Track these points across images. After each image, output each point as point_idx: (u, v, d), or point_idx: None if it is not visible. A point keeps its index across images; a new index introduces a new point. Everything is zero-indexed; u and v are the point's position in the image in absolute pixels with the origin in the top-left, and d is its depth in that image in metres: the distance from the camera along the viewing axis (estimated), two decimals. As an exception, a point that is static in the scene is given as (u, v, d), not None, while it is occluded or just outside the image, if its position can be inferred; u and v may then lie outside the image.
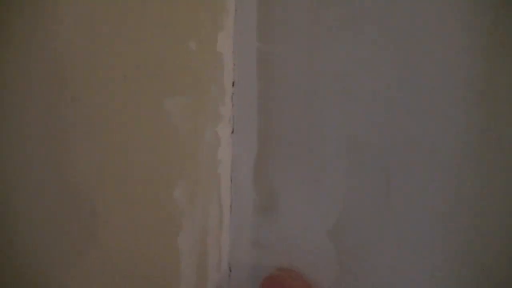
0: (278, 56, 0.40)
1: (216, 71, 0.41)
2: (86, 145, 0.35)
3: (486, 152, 0.33)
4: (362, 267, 0.38)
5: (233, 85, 0.42)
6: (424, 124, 0.35)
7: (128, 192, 0.37)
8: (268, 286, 0.40)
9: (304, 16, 0.39)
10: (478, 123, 0.33)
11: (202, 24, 0.40)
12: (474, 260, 0.34)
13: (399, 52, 0.35)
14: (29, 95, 0.32)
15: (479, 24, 0.32)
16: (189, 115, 0.40)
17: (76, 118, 0.35)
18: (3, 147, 0.32)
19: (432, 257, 0.35)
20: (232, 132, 0.43)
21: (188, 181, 0.40)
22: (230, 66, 0.42)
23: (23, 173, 0.32)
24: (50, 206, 0.34)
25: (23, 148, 0.32)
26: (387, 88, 0.36)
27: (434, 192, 0.35)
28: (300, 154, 0.40)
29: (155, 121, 0.38)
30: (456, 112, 0.34)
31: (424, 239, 0.36)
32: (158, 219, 0.39)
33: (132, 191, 0.38)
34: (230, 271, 0.43)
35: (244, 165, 0.42)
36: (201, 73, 0.40)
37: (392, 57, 0.35)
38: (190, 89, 0.40)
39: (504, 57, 0.32)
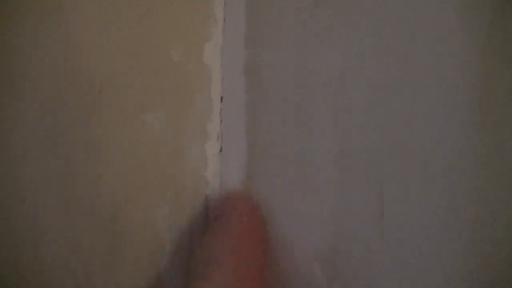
0: (266, 66, 0.37)
1: (203, 85, 0.38)
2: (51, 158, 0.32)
3: (485, 160, 0.30)
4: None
5: (221, 100, 0.39)
6: (419, 131, 0.32)
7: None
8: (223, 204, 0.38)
9: (292, 24, 0.36)
10: (477, 130, 0.30)
11: (187, 33, 0.37)
12: (474, 282, 0.30)
13: (392, 57, 0.32)
14: None
15: (476, 26, 0.29)
16: (172, 132, 0.37)
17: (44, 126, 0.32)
18: None
19: (430, 281, 0.32)
20: (220, 150, 0.39)
21: (172, 202, 0.37)
22: (219, 80, 0.39)
23: None
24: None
25: None
26: (380, 94, 0.33)
27: (431, 206, 0.31)
28: (290, 173, 0.37)
29: (133, 138, 0.35)
30: (453, 118, 0.31)
31: (421, 263, 0.32)
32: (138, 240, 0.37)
33: (110, 207, 0.35)
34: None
35: (233, 185, 0.39)
36: (185, 86, 0.37)
37: (385, 63, 0.33)
38: (172, 102, 0.37)
39: (502, 61, 0.29)
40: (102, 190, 0.35)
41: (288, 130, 0.37)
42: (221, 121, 0.39)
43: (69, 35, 0.33)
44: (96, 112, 0.34)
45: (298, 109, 0.36)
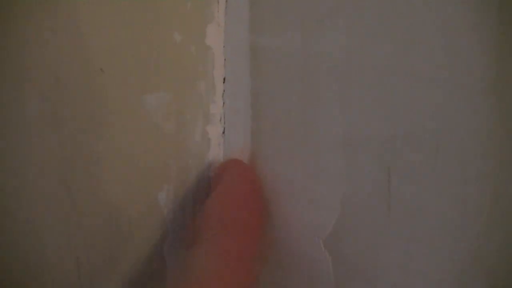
0: (271, 49, 0.37)
1: (205, 66, 0.38)
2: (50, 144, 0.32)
3: (494, 148, 0.29)
4: (360, 279, 0.34)
5: (224, 81, 0.39)
6: (428, 116, 0.31)
7: (108, 192, 0.35)
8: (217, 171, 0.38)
9: (298, 6, 0.35)
10: (486, 118, 0.29)
11: (189, 15, 0.37)
12: (484, 267, 0.30)
13: (400, 42, 0.32)
14: None
15: (487, 5, 0.29)
16: (174, 112, 0.37)
17: (44, 113, 0.32)
18: None
19: (437, 268, 0.31)
20: (223, 132, 0.39)
21: (174, 185, 0.37)
22: (221, 61, 0.39)
23: None
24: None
25: None
26: (387, 78, 0.32)
27: (439, 194, 0.31)
28: (294, 155, 0.36)
29: (135, 118, 0.35)
30: (464, 103, 0.30)
31: (428, 249, 0.32)
32: (141, 225, 0.36)
33: (111, 191, 0.35)
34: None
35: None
36: (187, 68, 0.37)
37: (392, 48, 0.32)
38: (174, 84, 0.37)
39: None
40: (104, 172, 0.35)
41: (292, 113, 0.36)
42: (223, 103, 0.39)
43: (70, 18, 0.33)
44: (96, 92, 0.34)
45: (303, 92, 0.36)
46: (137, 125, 0.35)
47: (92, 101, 0.34)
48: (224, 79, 0.39)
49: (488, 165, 0.29)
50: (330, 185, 0.35)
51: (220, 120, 0.39)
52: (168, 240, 0.37)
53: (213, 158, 0.39)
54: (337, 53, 0.34)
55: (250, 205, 0.35)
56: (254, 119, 0.38)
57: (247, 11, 0.38)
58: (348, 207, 0.34)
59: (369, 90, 0.33)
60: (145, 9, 0.35)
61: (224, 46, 0.39)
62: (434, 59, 0.30)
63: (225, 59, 0.39)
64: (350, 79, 0.34)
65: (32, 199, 0.33)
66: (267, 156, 0.38)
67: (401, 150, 0.32)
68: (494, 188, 0.30)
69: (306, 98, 0.36)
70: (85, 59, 0.33)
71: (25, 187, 0.32)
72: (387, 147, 0.32)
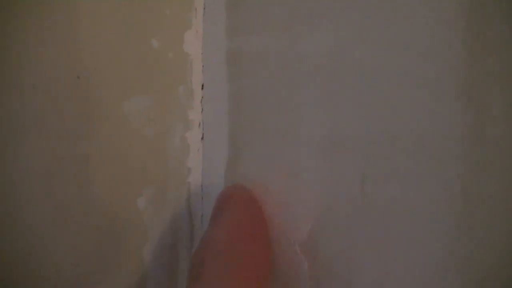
0: (248, 53, 0.37)
1: (183, 73, 0.39)
2: (32, 150, 0.32)
3: (474, 149, 0.30)
4: (336, 282, 0.34)
5: (202, 88, 0.39)
6: (406, 117, 0.31)
7: (87, 198, 0.35)
8: (213, 206, 0.36)
9: (276, 9, 0.36)
10: (465, 118, 0.30)
11: (167, 22, 0.38)
12: (463, 264, 0.30)
13: (380, 45, 0.32)
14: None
15: (462, 15, 0.29)
16: (153, 118, 0.37)
17: (25, 118, 0.32)
18: None
19: (413, 269, 0.32)
20: (202, 138, 0.40)
21: (153, 190, 0.38)
22: (199, 68, 0.39)
23: None
24: None
25: None
26: (366, 81, 0.33)
27: (415, 196, 0.31)
28: (272, 159, 0.37)
29: (114, 126, 0.36)
30: (441, 106, 0.31)
31: (404, 251, 0.32)
32: (119, 230, 0.37)
33: (90, 197, 0.35)
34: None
35: (215, 173, 0.39)
36: (165, 74, 0.38)
37: (373, 49, 0.32)
38: (152, 90, 0.37)
39: (487, 49, 0.29)
40: (89, 173, 0.35)
41: (270, 117, 0.37)
42: (202, 109, 0.40)
43: (50, 25, 0.33)
44: (78, 97, 0.34)
45: (281, 95, 0.36)
46: (117, 129, 0.36)
47: (74, 105, 0.34)
48: (202, 85, 0.40)
49: (463, 161, 0.30)
50: (307, 189, 0.35)
51: (199, 126, 0.40)
52: (148, 244, 0.38)
53: (192, 164, 0.39)
54: (317, 56, 0.35)
55: (258, 237, 0.34)
56: (233, 124, 0.39)
57: (224, 17, 0.39)
58: (324, 210, 0.35)
59: (348, 92, 0.34)
60: (124, 16, 0.35)
61: (202, 53, 0.39)
62: (416, 61, 0.31)
63: (203, 65, 0.39)
64: (330, 80, 0.34)
65: (17, 201, 0.33)
66: (245, 161, 0.38)
67: (377, 152, 0.33)
68: (468, 189, 0.30)
69: (283, 102, 0.36)
70: (65, 65, 0.33)
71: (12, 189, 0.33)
72: (363, 150, 0.33)
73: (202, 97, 0.40)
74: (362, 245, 0.34)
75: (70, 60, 0.34)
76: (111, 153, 0.36)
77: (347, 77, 0.34)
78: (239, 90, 0.38)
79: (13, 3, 0.32)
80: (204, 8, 0.39)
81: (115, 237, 0.36)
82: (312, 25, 0.35)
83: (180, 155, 0.39)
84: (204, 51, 0.39)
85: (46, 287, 0.34)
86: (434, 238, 0.31)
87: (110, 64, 0.35)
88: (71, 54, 0.33)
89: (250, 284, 0.31)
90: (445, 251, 0.31)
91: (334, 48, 0.34)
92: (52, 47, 0.33)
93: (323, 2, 0.34)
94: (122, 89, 0.36)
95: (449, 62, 0.30)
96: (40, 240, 0.34)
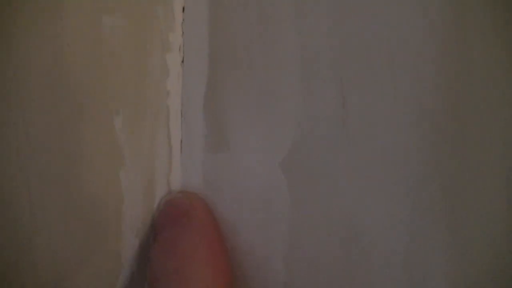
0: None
1: (162, -7, 0.38)
2: None
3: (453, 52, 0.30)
4: (316, 200, 0.34)
5: (183, 10, 0.39)
6: (383, 32, 0.31)
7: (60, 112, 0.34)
8: (165, 210, 0.35)
9: None
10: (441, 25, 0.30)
11: None
12: (442, 177, 0.30)
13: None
14: None
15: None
16: (132, 39, 0.37)
17: None
18: None
19: (392, 186, 0.31)
20: (182, 61, 0.39)
21: (130, 111, 0.37)
22: (180, -11, 0.39)
23: None
24: None
25: None
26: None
27: (394, 105, 0.31)
28: (252, 81, 0.37)
29: (94, 42, 0.35)
30: (420, 15, 0.30)
31: (385, 163, 0.32)
32: (97, 151, 0.36)
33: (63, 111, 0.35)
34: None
35: (194, 97, 0.39)
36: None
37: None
38: (132, 9, 0.37)
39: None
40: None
41: (250, 38, 0.36)
42: (183, 33, 0.39)
43: None
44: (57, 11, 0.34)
45: (261, 15, 0.36)
46: (97, 47, 0.35)
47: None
48: (183, 8, 0.39)
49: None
50: (287, 106, 0.35)
51: (179, 49, 0.39)
52: (124, 167, 0.37)
53: (171, 87, 0.39)
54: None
55: (215, 265, 0.33)
56: (213, 48, 0.38)
57: None
58: (304, 126, 0.34)
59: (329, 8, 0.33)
60: None
61: (183, -26, 0.39)
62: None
63: (184, -12, 0.39)
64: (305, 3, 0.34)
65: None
66: (225, 85, 0.38)
67: (355, 63, 0.32)
68: (449, 99, 0.30)
69: (263, 21, 0.36)
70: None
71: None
72: (341, 62, 0.33)
73: (183, 19, 0.39)
74: (342, 161, 0.33)
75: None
76: (88, 72, 0.35)
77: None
78: (220, 13, 0.38)
79: None
80: None
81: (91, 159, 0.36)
82: None
83: (159, 77, 0.38)
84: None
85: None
86: (414, 155, 0.31)
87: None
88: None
89: None
90: (426, 166, 0.31)
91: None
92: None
93: None
94: (99, 5, 0.35)
95: None
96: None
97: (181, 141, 0.39)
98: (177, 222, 0.34)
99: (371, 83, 0.32)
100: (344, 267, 0.34)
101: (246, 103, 0.37)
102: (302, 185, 0.35)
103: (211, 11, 0.38)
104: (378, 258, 0.32)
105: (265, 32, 0.36)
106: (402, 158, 0.31)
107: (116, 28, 0.36)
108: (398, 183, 0.32)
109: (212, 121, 0.38)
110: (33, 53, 0.33)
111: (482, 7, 0.29)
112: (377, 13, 0.32)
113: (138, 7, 0.37)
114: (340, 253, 0.34)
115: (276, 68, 0.36)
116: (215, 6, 0.38)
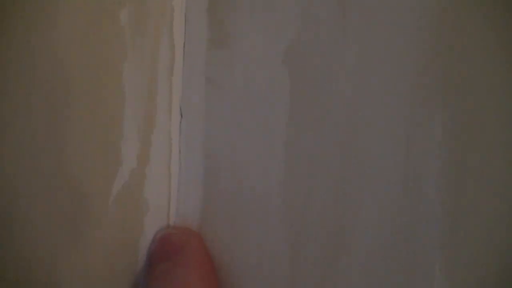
0: None
1: None
2: None
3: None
4: (315, 96, 0.35)
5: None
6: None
7: None
8: (159, 246, 0.35)
9: None
10: None
11: None
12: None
13: None
14: None
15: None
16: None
17: None
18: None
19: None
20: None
21: (136, 4, 0.37)
22: None
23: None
24: None
25: None
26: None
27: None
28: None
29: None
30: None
31: (385, 58, 0.33)
32: (102, 42, 0.36)
33: None
34: (181, 117, 0.40)
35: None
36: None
37: None
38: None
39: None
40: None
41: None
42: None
43: None
44: None
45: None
46: None
47: None
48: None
49: None
50: (288, 5, 0.36)
51: None
52: (127, 61, 0.37)
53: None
54: None
55: None
56: None
57: None
58: (305, 17, 0.35)
59: None
60: None
61: None
62: None
63: None
64: None
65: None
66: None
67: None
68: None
69: None
70: None
71: None
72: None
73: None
74: (341, 53, 0.34)
75: None
76: None
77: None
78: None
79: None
80: None
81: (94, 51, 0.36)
82: None
83: None
84: None
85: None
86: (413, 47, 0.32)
87: None
88: None
89: None
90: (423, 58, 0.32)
91: None
92: None
93: None
94: None
95: None
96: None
97: (184, 45, 0.40)
98: (173, 258, 0.34)
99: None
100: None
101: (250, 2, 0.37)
102: (303, 82, 0.35)
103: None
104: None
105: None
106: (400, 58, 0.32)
107: None
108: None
109: (215, 21, 0.38)
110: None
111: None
112: None
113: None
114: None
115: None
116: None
